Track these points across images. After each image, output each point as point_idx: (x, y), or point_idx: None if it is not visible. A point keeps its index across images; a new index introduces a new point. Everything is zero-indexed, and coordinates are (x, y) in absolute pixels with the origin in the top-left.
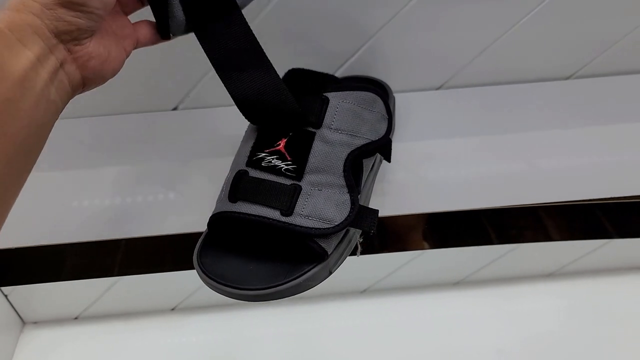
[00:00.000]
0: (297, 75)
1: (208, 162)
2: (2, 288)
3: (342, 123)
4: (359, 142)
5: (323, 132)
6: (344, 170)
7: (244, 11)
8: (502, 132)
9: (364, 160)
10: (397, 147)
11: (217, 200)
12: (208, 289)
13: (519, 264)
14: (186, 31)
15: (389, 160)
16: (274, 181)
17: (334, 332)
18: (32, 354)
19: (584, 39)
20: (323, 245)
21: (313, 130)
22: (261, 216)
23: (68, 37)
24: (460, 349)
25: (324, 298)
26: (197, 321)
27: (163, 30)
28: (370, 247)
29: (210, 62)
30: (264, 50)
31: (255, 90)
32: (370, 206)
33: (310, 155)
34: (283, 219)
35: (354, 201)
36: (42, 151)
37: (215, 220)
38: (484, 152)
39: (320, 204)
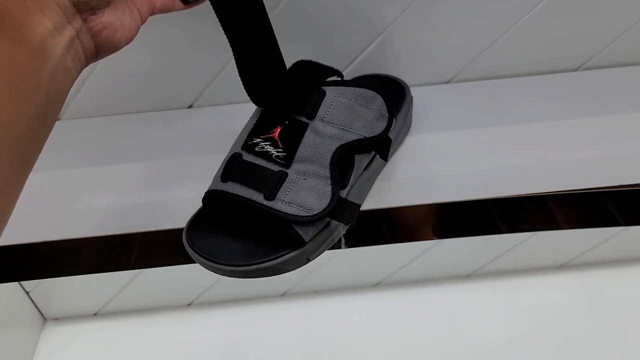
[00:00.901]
0: (303, 67)
1: (222, 158)
2: (24, 285)
3: (335, 117)
4: (350, 137)
5: (315, 124)
6: (331, 163)
7: None
8: (512, 124)
9: (356, 156)
10: (407, 139)
11: (212, 179)
12: (223, 285)
13: (530, 256)
14: None
15: (385, 159)
16: (263, 166)
17: (347, 325)
18: (53, 349)
19: (591, 30)
20: (300, 232)
21: (307, 121)
22: (245, 197)
23: (86, 7)
24: (472, 340)
25: (337, 292)
26: (213, 316)
27: None
28: (381, 238)
29: (220, 22)
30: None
31: (253, 58)
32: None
33: (301, 145)
34: (265, 202)
35: (334, 193)
36: (61, 149)
37: (205, 197)
38: (493, 144)
39: (302, 192)
